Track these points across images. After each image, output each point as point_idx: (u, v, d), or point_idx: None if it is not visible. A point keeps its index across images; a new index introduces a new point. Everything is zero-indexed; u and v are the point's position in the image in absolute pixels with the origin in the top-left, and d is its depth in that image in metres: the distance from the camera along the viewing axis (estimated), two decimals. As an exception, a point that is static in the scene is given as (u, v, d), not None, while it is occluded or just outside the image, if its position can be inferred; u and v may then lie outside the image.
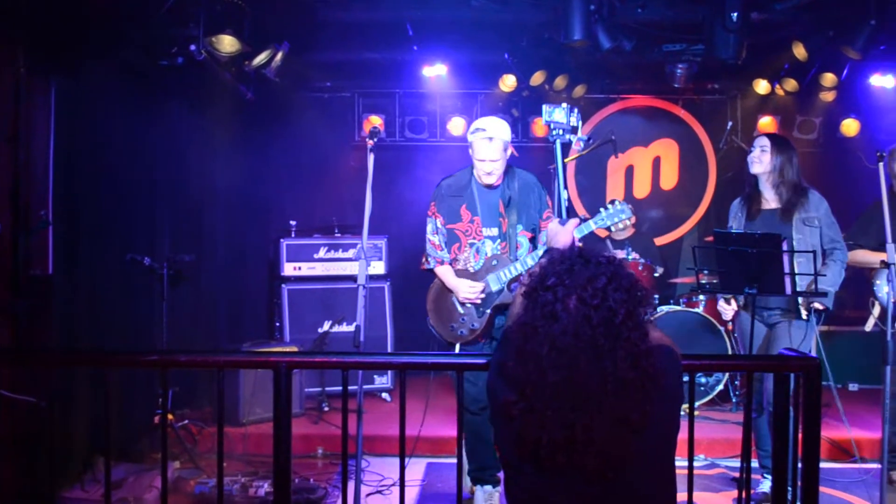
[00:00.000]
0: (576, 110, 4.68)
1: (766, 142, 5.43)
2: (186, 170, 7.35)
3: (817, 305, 5.24)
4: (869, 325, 5.93)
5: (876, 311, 5.91)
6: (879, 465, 5.13)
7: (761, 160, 5.39)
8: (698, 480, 6.01)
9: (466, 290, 5.27)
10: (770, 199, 5.45)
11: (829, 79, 8.29)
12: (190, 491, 5.67)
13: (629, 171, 9.88)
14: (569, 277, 2.31)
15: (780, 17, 7.13)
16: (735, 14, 6.50)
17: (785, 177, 5.35)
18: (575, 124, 4.74)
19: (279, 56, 6.88)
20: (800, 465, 3.16)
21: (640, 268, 7.97)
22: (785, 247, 4.67)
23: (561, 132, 4.71)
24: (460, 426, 3.31)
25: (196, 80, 6.79)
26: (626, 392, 2.26)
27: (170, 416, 6.29)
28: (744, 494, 3.58)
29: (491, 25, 7.57)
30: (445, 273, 5.42)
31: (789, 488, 3.26)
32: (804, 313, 5.21)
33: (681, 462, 6.15)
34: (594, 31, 6.60)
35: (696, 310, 7.76)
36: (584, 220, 5.02)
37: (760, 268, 4.64)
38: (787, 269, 4.64)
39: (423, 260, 5.55)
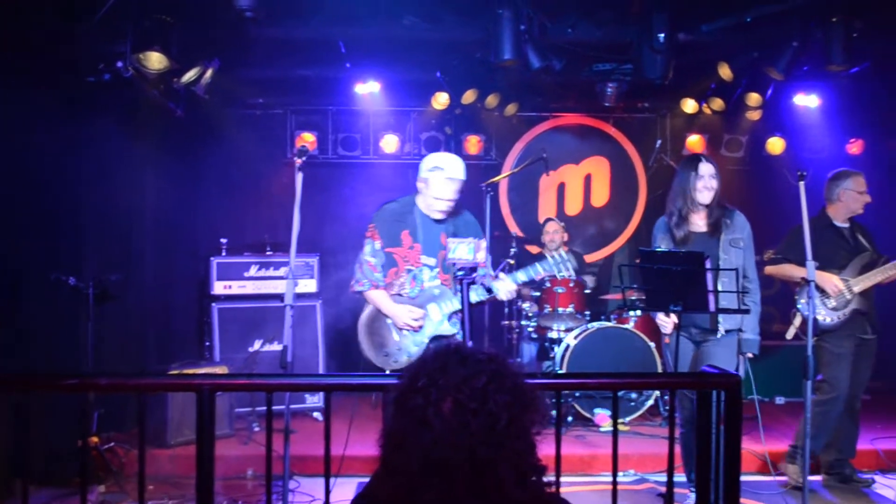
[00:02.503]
0: (483, 245, 4.54)
1: (713, 169, 5.43)
2: (115, 187, 7.21)
3: (749, 355, 5.39)
4: (790, 334, 6.13)
5: (797, 321, 6.12)
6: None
7: (713, 187, 5.40)
8: (627, 496, 6.07)
9: (407, 317, 5.18)
10: (700, 222, 5.48)
11: (754, 98, 8.47)
12: (113, 515, 5.58)
13: (561, 189, 9.97)
14: (442, 377, 1.94)
15: (706, 39, 7.30)
16: (662, 35, 6.63)
17: (718, 199, 5.45)
18: (482, 259, 4.57)
19: (209, 73, 6.84)
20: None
21: (571, 284, 8.03)
22: (708, 265, 4.74)
23: (468, 271, 4.56)
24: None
25: (124, 96, 6.70)
26: None
27: (95, 439, 6.18)
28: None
29: (423, 44, 7.61)
30: (381, 298, 5.30)
31: (713, 502, 3.30)
32: (721, 331, 5.31)
33: (608, 478, 6.20)
34: (524, 50, 6.68)
35: (626, 326, 7.85)
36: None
37: (685, 286, 4.71)
38: (710, 287, 4.72)
39: (354, 282, 5.41)
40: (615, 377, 3.08)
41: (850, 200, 6.16)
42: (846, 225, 6.23)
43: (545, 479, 2.03)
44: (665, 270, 4.71)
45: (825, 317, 6.06)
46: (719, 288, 5.07)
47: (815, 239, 5.99)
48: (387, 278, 5.32)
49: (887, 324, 8.25)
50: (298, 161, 4.86)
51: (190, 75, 6.75)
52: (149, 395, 3.30)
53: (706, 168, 5.41)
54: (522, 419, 1.95)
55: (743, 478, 6.40)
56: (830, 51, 6.61)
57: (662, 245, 5.51)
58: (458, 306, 5.14)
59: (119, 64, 5.94)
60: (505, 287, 5.11)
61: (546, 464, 2.02)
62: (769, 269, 6.10)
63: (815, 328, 5.93)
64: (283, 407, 5.19)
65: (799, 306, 6.08)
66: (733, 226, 5.40)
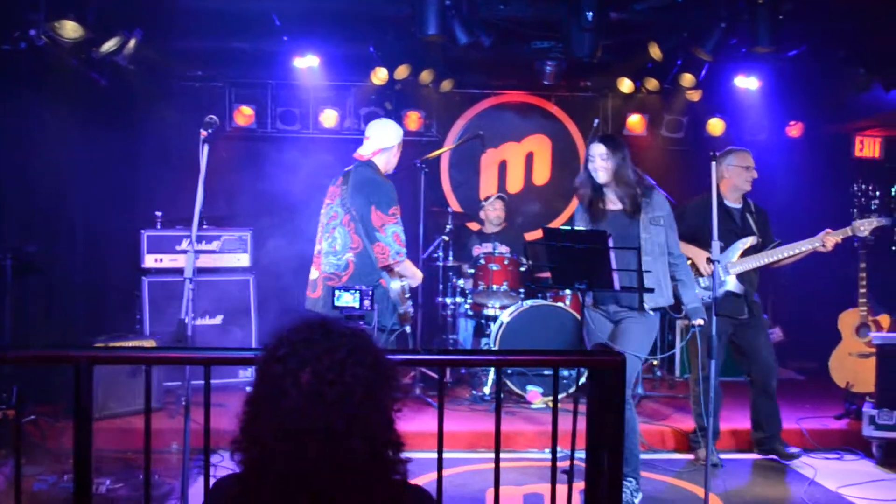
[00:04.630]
0: (371, 293, 4.98)
1: (603, 149, 5.34)
2: (37, 158, 7.11)
3: (698, 322, 5.41)
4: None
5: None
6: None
7: (604, 167, 5.33)
8: (548, 472, 6.09)
9: (420, 276, 6.10)
10: (615, 200, 5.42)
11: (687, 79, 8.48)
12: (28, 488, 5.52)
13: (502, 166, 9.96)
14: (305, 348, 1.96)
15: (639, 18, 7.29)
16: (590, 14, 6.61)
17: (622, 178, 5.32)
18: (368, 307, 5.02)
19: (132, 43, 6.72)
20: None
21: (506, 262, 8.01)
22: (610, 243, 4.72)
23: (356, 318, 5.01)
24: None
25: (44, 65, 6.59)
26: (366, 486, 1.96)
27: (11, 412, 6.12)
28: (553, 488, 3.60)
29: (356, 18, 7.57)
30: (410, 263, 5.95)
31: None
32: (647, 309, 5.32)
33: (532, 454, 6.19)
34: (451, 25, 6.65)
35: (559, 304, 7.87)
36: None
37: (589, 264, 4.70)
38: (613, 265, 4.70)
39: (395, 253, 5.74)
40: (499, 355, 3.05)
41: (734, 176, 6.24)
42: (737, 205, 6.33)
43: (403, 455, 2.05)
44: (570, 248, 4.70)
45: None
46: (643, 267, 5.07)
47: (701, 217, 6.09)
48: None
49: (818, 305, 8.42)
50: (204, 133, 4.79)
51: (110, 45, 6.62)
52: (24, 367, 3.28)
53: (595, 148, 5.37)
54: (379, 394, 1.98)
55: (664, 455, 6.54)
56: (757, 32, 6.61)
57: (581, 225, 5.50)
58: None
59: (32, 32, 5.83)
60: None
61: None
62: None
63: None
64: (218, 381, 5.20)
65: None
66: (652, 204, 5.36)
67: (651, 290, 4.96)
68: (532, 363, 5.64)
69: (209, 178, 8.97)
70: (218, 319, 7.97)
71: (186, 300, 4.57)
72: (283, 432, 1.91)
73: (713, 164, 5.15)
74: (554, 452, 3.49)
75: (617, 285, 4.74)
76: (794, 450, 6.42)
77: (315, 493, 1.92)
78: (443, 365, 3.25)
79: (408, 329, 6.18)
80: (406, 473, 2.07)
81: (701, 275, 6.13)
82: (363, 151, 5.97)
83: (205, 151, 4.80)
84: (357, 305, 4.80)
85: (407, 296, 5.89)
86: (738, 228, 6.26)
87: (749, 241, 6.20)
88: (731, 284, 6.13)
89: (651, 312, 5.32)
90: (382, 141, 5.89)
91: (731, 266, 6.14)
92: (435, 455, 2.98)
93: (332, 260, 5.81)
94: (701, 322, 5.40)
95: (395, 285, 5.79)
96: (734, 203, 6.31)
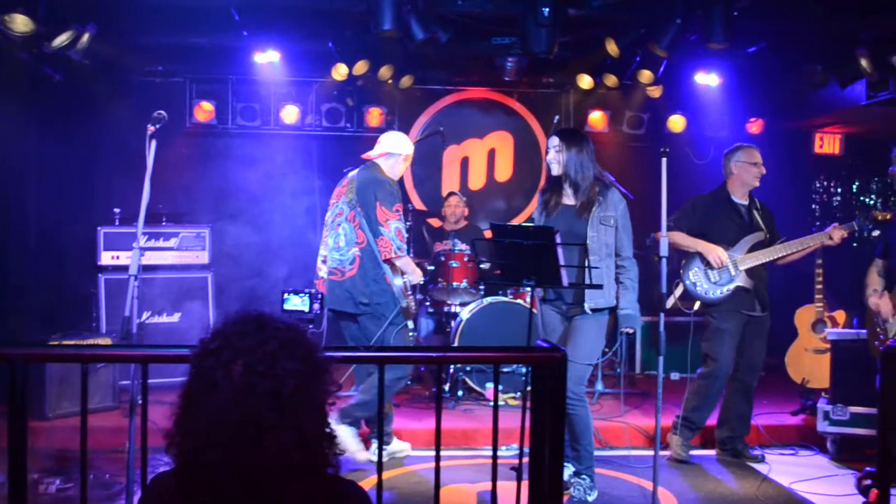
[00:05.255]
0: (320, 298, 5.13)
1: (557, 141, 5.31)
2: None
3: (628, 330, 5.34)
4: (669, 303, 6.23)
5: (678, 291, 6.29)
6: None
7: (559, 160, 5.29)
8: (504, 470, 6.07)
9: (421, 274, 6.30)
10: (569, 195, 5.36)
11: (645, 75, 8.48)
12: (-24, 489, 5.44)
13: (465, 163, 9.96)
14: (238, 340, 1.97)
15: (597, 14, 7.27)
16: (546, 10, 6.58)
17: (577, 172, 5.26)
18: (317, 311, 5.25)
19: (85, 38, 6.63)
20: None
21: (466, 259, 7.99)
22: (558, 239, 4.68)
23: (306, 322, 5.24)
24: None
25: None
26: (298, 480, 1.97)
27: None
28: (497, 484, 3.60)
29: (315, 13, 7.50)
30: (410, 260, 6.15)
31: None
32: (586, 308, 5.26)
33: (489, 452, 6.19)
34: (407, 21, 6.61)
35: (519, 301, 7.85)
36: None
37: (537, 260, 4.68)
38: (561, 262, 4.68)
39: (396, 249, 5.85)
40: (441, 351, 3.03)
41: (743, 172, 6.28)
42: (744, 202, 6.35)
43: (336, 450, 2.06)
44: (518, 245, 4.68)
45: (707, 290, 6.17)
46: (586, 264, 5.04)
47: (709, 212, 6.16)
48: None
49: (775, 301, 8.46)
50: (151, 128, 4.74)
51: (62, 39, 6.52)
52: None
53: (550, 141, 5.39)
54: (311, 388, 1.99)
55: (629, 452, 6.53)
56: (711, 29, 6.60)
57: (540, 220, 5.47)
58: None
59: (-20, 27, 5.76)
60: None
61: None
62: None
63: (698, 300, 6.16)
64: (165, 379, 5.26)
65: (685, 278, 6.28)
66: (605, 203, 5.27)
67: (600, 287, 4.94)
68: (473, 360, 5.65)
69: (169, 175, 9.00)
70: (176, 317, 7.91)
71: (131, 297, 4.51)
72: (215, 425, 1.91)
73: (663, 160, 5.14)
74: (494, 448, 3.48)
75: (565, 281, 4.72)
76: (756, 452, 6.46)
77: (248, 486, 1.93)
78: (381, 362, 3.22)
79: (410, 324, 6.26)
80: (339, 467, 2.08)
81: (711, 268, 6.16)
82: (371, 152, 6.18)
83: (152, 147, 4.76)
84: (306, 309, 4.84)
85: (408, 292, 6.09)
86: (746, 224, 6.29)
87: (758, 236, 6.24)
88: (741, 279, 6.15)
89: (592, 312, 5.25)
90: (391, 147, 6.10)
91: (740, 262, 6.16)
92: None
93: (335, 256, 5.98)
94: (630, 330, 5.34)
95: (398, 282, 5.94)
96: (741, 199, 6.34)
